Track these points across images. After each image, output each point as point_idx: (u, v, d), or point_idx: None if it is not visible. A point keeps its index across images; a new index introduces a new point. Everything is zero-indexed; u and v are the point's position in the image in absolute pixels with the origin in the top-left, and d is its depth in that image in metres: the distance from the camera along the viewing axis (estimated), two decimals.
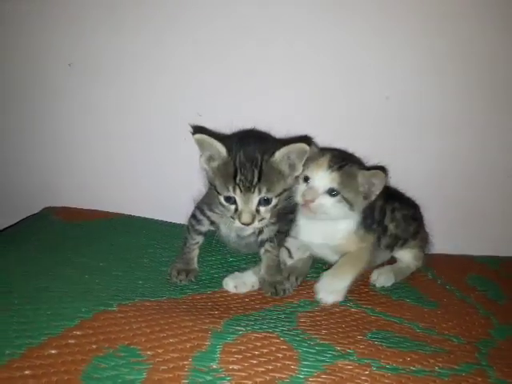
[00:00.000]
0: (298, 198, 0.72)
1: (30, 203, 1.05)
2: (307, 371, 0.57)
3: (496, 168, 0.98)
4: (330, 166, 0.71)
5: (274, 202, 0.69)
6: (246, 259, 0.87)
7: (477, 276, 0.86)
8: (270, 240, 0.79)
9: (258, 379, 0.56)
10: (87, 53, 0.96)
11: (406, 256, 0.86)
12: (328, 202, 0.70)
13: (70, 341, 0.60)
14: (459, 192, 0.99)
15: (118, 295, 0.70)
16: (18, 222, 0.99)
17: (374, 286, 0.81)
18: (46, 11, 0.94)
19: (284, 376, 0.57)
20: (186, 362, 0.58)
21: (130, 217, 1.01)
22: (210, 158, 0.71)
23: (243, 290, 0.77)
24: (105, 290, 0.72)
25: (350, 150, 0.85)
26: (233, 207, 0.70)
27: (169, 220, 1.02)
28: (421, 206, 0.90)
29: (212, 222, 0.81)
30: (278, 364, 0.58)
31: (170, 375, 0.56)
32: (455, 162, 0.97)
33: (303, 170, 0.72)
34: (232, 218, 0.70)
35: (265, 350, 0.61)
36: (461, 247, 0.98)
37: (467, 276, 0.86)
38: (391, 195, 0.85)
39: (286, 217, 0.80)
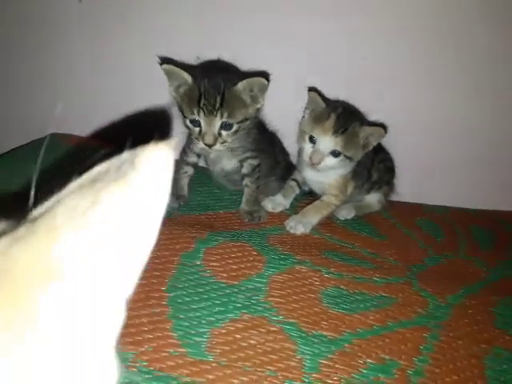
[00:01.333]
0: (305, 158, 0.84)
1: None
2: (271, 270, 0.72)
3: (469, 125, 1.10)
4: (334, 131, 0.80)
5: (234, 127, 0.80)
6: (229, 191, 0.99)
7: (425, 219, 1.01)
8: (249, 175, 0.92)
9: (233, 273, 0.70)
10: None
11: (373, 198, 0.99)
12: (332, 161, 0.82)
13: None
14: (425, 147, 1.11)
15: None
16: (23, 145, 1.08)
17: (338, 218, 0.95)
18: None
19: (253, 272, 0.71)
20: (175, 258, 0.72)
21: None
22: (178, 87, 0.80)
23: (278, 209, 0.94)
24: None
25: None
26: (197, 129, 0.80)
27: None
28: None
29: (198, 155, 0.93)
30: (249, 264, 0.73)
31: (161, 267, 0.70)
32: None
33: (310, 130, 0.82)
34: (197, 139, 0.80)
35: (239, 254, 0.75)
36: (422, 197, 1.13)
37: (417, 218, 1.01)
38: (379, 147, 0.98)
39: (264, 153, 0.92)
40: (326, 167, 0.83)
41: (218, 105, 0.77)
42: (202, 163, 1.00)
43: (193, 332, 0.59)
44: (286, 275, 0.72)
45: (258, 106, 0.81)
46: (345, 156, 0.83)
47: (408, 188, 1.10)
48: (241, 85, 0.78)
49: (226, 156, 0.91)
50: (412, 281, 0.76)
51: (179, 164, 0.94)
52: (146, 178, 0.22)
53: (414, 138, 1.11)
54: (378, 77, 1.04)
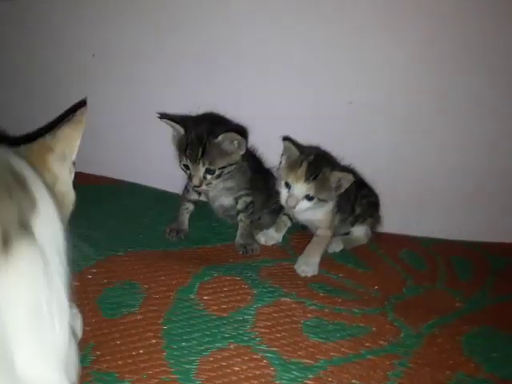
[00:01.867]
0: (282, 202, 0.93)
1: None
2: (259, 303, 0.80)
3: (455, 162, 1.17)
4: (306, 178, 0.89)
5: (217, 172, 0.92)
6: (227, 225, 1.08)
7: (409, 250, 1.07)
8: (243, 211, 1.01)
9: (223, 306, 0.79)
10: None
11: (359, 231, 1.07)
12: (306, 204, 0.91)
13: (88, 276, 0.83)
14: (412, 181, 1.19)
15: (123, 244, 0.93)
16: None
17: (326, 251, 1.03)
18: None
19: (242, 305, 0.79)
20: (171, 293, 0.81)
21: (133, 184, 1.22)
22: (174, 136, 0.95)
23: (271, 242, 1.03)
24: (113, 240, 0.94)
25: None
26: (188, 172, 0.93)
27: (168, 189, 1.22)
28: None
29: (199, 192, 1.03)
30: (239, 297, 0.81)
31: (159, 302, 0.79)
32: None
33: (285, 176, 0.92)
34: (189, 179, 0.93)
35: (231, 288, 0.83)
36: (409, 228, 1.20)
37: (402, 250, 1.08)
38: (361, 184, 1.07)
39: (258, 191, 1.02)
40: (300, 210, 0.92)
41: (199, 154, 0.90)
42: (204, 198, 1.09)
43: (183, 360, 0.67)
44: (273, 307, 0.80)
45: (241, 152, 0.93)
46: (318, 199, 0.91)
47: (396, 219, 1.17)
48: (221, 137, 0.90)
49: (224, 194, 1.01)
50: (388, 311, 0.83)
51: (181, 200, 1.05)
52: None
53: (403, 173, 1.19)
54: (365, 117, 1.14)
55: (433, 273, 0.99)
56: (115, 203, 1.10)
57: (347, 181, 0.92)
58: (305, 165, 0.91)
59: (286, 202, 0.91)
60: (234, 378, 0.65)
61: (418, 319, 0.81)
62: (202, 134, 0.90)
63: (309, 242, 1.00)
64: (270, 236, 1.05)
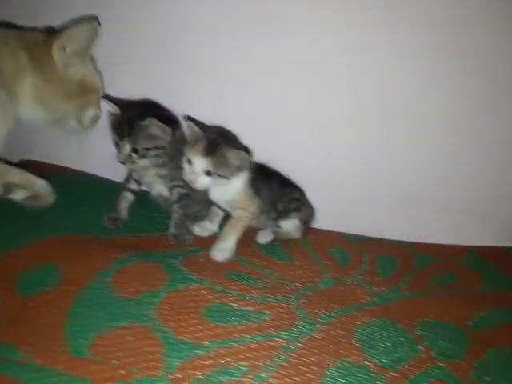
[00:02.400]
0: (185, 178, 0.97)
1: None
2: (170, 288, 0.85)
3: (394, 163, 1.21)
4: (204, 153, 0.94)
5: (141, 152, 0.98)
6: (167, 215, 1.12)
7: (339, 247, 1.12)
8: (177, 201, 1.06)
9: (133, 289, 0.84)
10: None
11: (287, 225, 1.11)
12: (206, 180, 0.95)
13: (13, 258, 0.88)
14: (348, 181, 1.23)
15: (57, 229, 0.98)
16: None
17: (258, 243, 1.07)
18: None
19: (153, 289, 0.84)
20: (89, 276, 0.86)
21: (77, 171, 1.26)
22: (111, 116, 1.02)
23: (206, 233, 1.08)
24: (48, 225, 1.00)
25: None
26: (117, 149, 1.00)
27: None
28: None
29: (138, 182, 1.09)
30: (151, 282, 0.86)
31: (75, 283, 0.84)
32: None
33: (187, 153, 0.96)
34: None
35: (147, 273, 0.88)
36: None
37: (332, 246, 1.12)
38: (284, 182, 1.12)
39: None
40: (201, 185, 0.96)
41: (126, 134, 0.97)
42: (145, 188, 1.14)
43: (80, 336, 0.73)
44: (182, 292, 0.85)
45: (167, 139, 0.99)
46: (218, 175, 0.95)
47: (333, 217, 1.22)
48: (146, 121, 0.96)
49: (158, 181, 1.07)
50: (293, 300, 0.87)
51: (121, 189, 1.10)
52: None
53: (339, 172, 1.23)
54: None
55: (354, 268, 1.04)
56: (58, 190, 1.14)
57: (243, 159, 0.96)
58: (204, 141, 0.95)
59: (187, 177, 0.96)
60: (121, 354, 0.70)
61: (319, 309, 0.86)
62: (132, 116, 0.97)
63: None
64: (205, 227, 1.10)
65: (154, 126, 0.97)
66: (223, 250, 0.98)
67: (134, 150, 0.98)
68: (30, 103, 0.92)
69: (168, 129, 0.98)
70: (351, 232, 1.21)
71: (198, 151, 0.95)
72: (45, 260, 0.89)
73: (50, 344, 0.71)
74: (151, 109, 1.02)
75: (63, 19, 1.03)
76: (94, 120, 1.04)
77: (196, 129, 0.98)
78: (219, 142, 0.96)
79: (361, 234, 1.21)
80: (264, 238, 1.09)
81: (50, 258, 0.90)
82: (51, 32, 0.96)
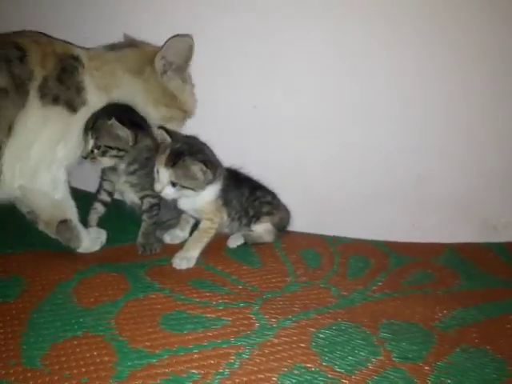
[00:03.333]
0: (154, 187, 0.97)
1: None
2: (130, 297, 0.86)
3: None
4: (166, 164, 0.93)
5: (102, 148, 0.98)
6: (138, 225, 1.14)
7: (311, 249, 1.11)
8: (147, 211, 1.07)
9: (92, 299, 0.85)
10: None
11: (258, 228, 1.11)
12: (171, 191, 0.95)
13: None
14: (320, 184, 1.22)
15: (24, 243, 1.01)
16: None
17: (228, 247, 1.07)
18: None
19: (112, 299, 0.85)
20: (51, 287, 0.87)
21: None
22: None
23: (176, 241, 1.09)
24: (15, 239, 1.02)
25: None
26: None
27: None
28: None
29: (109, 193, 1.10)
30: (112, 292, 0.87)
31: (36, 294, 0.85)
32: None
33: (156, 162, 0.97)
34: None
35: (109, 283, 0.89)
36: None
37: (303, 249, 1.11)
38: (255, 186, 1.11)
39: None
40: (166, 195, 0.96)
41: (90, 128, 0.98)
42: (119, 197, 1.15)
43: (35, 346, 0.73)
44: (141, 301, 0.85)
45: (129, 143, 1.00)
46: (182, 186, 0.94)
47: (306, 219, 1.21)
48: (111, 122, 0.97)
49: (129, 190, 1.08)
50: (254, 306, 0.87)
51: (93, 201, 1.11)
52: None
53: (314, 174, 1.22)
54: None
55: (323, 271, 1.03)
56: None
57: (204, 173, 0.94)
58: (168, 151, 0.95)
59: (155, 186, 0.96)
60: (74, 364, 0.71)
61: (280, 314, 0.85)
62: (101, 114, 0.99)
63: (212, 240, 1.06)
64: (175, 235, 1.11)
65: (119, 128, 0.97)
66: (186, 260, 0.98)
67: (97, 147, 0.99)
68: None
69: (129, 132, 0.98)
70: (326, 233, 1.20)
71: (162, 161, 0.95)
72: (11, 272, 0.90)
73: (4, 355, 0.71)
74: (125, 112, 1.02)
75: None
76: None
77: (166, 137, 0.98)
78: (184, 153, 0.95)
79: (336, 235, 1.20)
80: (235, 242, 1.08)
81: (15, 270, 0.91)
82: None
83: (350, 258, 1.09)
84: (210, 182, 0.97)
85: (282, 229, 1.15)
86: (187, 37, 1.00)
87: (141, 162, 1.04)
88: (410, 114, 1.13)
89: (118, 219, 1.15)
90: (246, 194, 1.07)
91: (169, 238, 1.10)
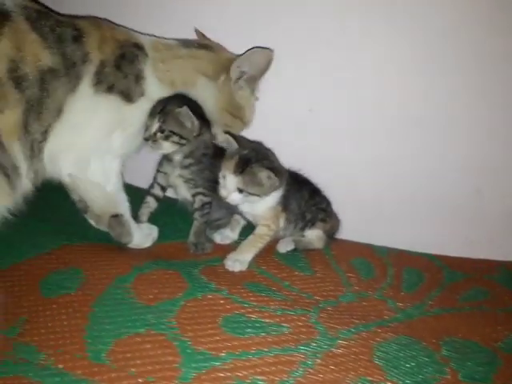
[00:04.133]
0: (220, 192, 0.97)
1: None
2: (188, 296, 0.85)
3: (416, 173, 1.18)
4: (234, 170, 0.93)
5: (166, 132, 0.98)
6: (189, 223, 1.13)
7: (362, 258, 1.09)
8: (198, 209, 1.06)
9: (152, 296, 0.84)
10: None
11: (311, 234, 1.09)
12: (237, 197, 0.95)
13: (39, 261, 0.91)
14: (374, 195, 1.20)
15: (78, 235, 1.01)
16: None
17: (278, 253, 1.06)
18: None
19: (171, 297, 0.85)
20: (109, 280, 0.87)
21: None
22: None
23: (226, 241, 1.08)
24: (70, 231, 1.02)
25: None
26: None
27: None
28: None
29: (162, 187, 1.09)
30: (170, 289, 0.86)
31: (95, 287, 0.85)
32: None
33: (222, 168, 0.97)
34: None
35: (166, 281, 0.89)
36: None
37: (354, 258, 1.09)
38: (314, 191, 1.10)
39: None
40: (233, 201, 0.96)
41: (158, 111, 0.98)
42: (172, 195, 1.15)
43: (99, 341, 0.73)
44: (200, 301, 0.85)
45: (193, 133, 1.00)
46: (248, 193, 0.94)
47: (356, 228, 1.19)
48: (180, 109, 0.97)
49: (181, 185, 1.07)
50: (312, 314, 0.85)
51: (145, 195, 1.11)
52: None
53: (365, 182, 1.20)
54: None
55: (377, 282, 1.00)
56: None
57: (272, 180, 0.94)
58: (236, 158, 0.95)
59: (221, 191, 0.95)
60: (139, 362, 0.70)
61: (339, 324, 0.83)
62: (172, 100, 0.98)
63: None
64: (225, 235, 1.10)
65: (186, 116, 0.97)
66: (239, 262, 0.97)
67: (161, 130, 0.98)
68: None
69: (197, 122, 0.98)
70: (376, 243, 1.18)
71: (231, 168, 0.94)
72: (68, 264, 0.91)
73: (70, 348, 0.72)
74: (194, 104, 1.01)
75: None
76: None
77: (233, 143, 0.98)
78: (251, 160, 0.95)
79: (386, 245, 1.18)
80: (285, 247, 1.07)
81: (73, 262, 0.92)
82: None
83: (403, 270, 1.07)
84: (275, 189, 0.96)
85: (331, 236, 1.13)
86: (268, 50, 0.99)
87: (196, 158, 1.04)
88: (473, 126, 1.10)
89: (168, 216, 1.15)
90: (305, 197, 1.06)
91: (219, 237, 1.09)
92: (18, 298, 0.81)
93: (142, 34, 1.01)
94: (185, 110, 0.96)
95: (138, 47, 0.96)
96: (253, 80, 1.03)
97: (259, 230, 1.01)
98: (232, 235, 1.10)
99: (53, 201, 1.10)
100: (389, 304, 0.93)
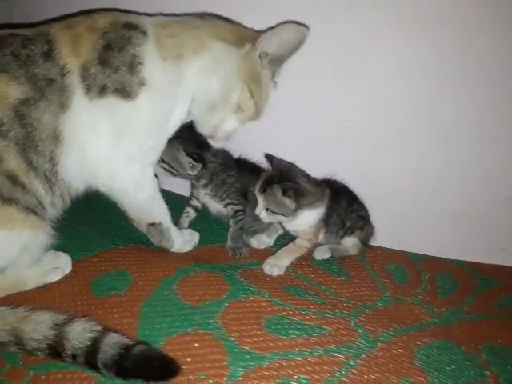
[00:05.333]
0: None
1: None
2: (231, 298, 0.88)
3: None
4: (259, 190, 0.98)
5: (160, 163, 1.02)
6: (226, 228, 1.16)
7: (396, 265, 1.10)
8: (232, 217, 1.10)
9: (197, 297, 0.88)
10: None
11: (348, 242, 1.11)
12: (266, 215, 0.99)
13: (88, 263, 0.96)
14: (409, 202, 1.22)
15: (123, 238, 1.05)
16: None
17: (314, 258, 1.08)
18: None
19: (215, 298, 0.88)
20: (156, 282, 0.91)
21: None
22: None
23: (262, 246, 1.12)
24: (116, 235, 1.07)
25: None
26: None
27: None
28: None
29: (198, 199, 1.14)
30: (214, 291, 0.90)
31: (143, 288, 0.89)
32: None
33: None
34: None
35: (210, 283, 0.92)
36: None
37: (389, 264, 1.11)
38: (353, 198, 1.13)
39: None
40: (264, 219, 1.00)
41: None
42: None
43: (151, 339, 0.77)
44: (243, 303, 0.88)
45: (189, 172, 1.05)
46: (272, 212, 0.98)
47: (390, 234, 1.21)
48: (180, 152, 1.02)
49: (210, 201, 1.12)
50: (352, 318, 0.87)
51: (185, 205, 1.16)
52: None
53: (400, 189, 1.22)
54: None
55: (413, 288, 1.02)
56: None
57: (289, 201, 0.96)
58: (262, 178, 0.99)
59: (256, 210, 1.00)
60: (189, 360, 0.74)
61: (379, 327, 0.85)
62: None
63: None
64: (262, 240, 1.13)
65: (184, 159, 1.03)
66: (276, 267, 1.00)
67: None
68: (207, 71, 0.90)
69: (197, 164, 1.03)
70: (406, 249, 1.20)
71: (258, 187, 0.99)
72: (116, 267, 0.95)
73: None
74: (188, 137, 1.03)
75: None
76: (231, 133, 1.00)
77: (268, 165, 1.04)
78: (274, 181, 0.97)
79: (418, 251, 1.19)
80: (322, 255, 1.09)
81: (120, 265, 0.96)
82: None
83: (436, 276, 1.08)
84: (299, 209, 0.98)
85: (365, 243, 1.15)
86: (303, 27, 0.88)
87: (207, 178, 1.08)
88: (507, 133, 1.11)
89: (205, 220, 1.19)
90: (344, 205, 1.08)
91: (255, 242, 1.13)
92: (72, 298, 0.86)
93: (141, 14, 0.92)
94: (181, 152, 1.00)
95: (131, 27, 0.84)
96: (278, 61, 0.93)
97: (300, 242, 1.04)
98: (268, 241, 1.13)
99: (97, 205, 1.16)
100: (425, 309, 0.95)
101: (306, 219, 1.02)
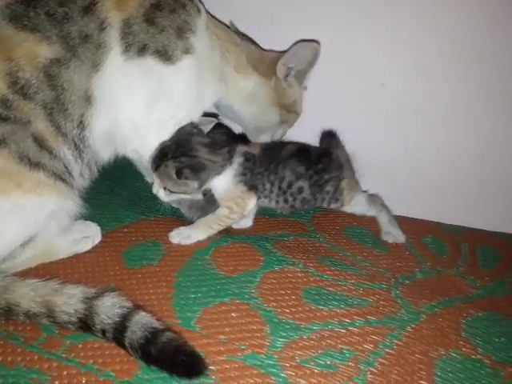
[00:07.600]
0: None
1: None
2: (266, 268, 0.86)
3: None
4: (152, 166, 0.88)
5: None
6: None
7: (433, 236, 1.06)
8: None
9: (232, 267, 0.85)
10: None
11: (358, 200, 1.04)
12: (162, 193, 0.91)
13: (119, 234, 0.93)
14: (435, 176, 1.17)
15: (153, 210, 1.02)
16: None
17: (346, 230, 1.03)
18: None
19: (250, 269, 0.85)
20: (189, 253, 0.88)
21: None
22: None
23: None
24: (146, 206, 1.04)
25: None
26: None
27: None
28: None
29: None
30: (248, 262, 0.87)
31: (176, 259, 0.87)
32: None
33: None
34: None
35: (243, 253, 0.89)
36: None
37: (425, 236, 1.06)
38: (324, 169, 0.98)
39: None
40: (162, 198, 0.92)
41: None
42: None
43: (187, 309, 0.75)
44: (278, 273, 0.85)
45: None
46: (169, 190, 0.89)
47: (428, 206, 1.17)
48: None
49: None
50: (392, 289, 0.84)
51: None
52: None
53: (438, 160, 1.17)
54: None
55: (453, 260, 0.98)
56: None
57: (189, 182, 0.88)
58: (155, 151, 0.87)
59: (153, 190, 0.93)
60: (227, 329, 0.72)
61: (421, 298, 0.82)
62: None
63: (331, 220, 1.06)
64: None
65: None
66: (189, 239, 0.90)
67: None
68: (246, 100, 1.00)
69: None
70: (444, 221, 1.15)
71: (151, 163, 0.90)
72: (147, 237, 0.93)
73: (159, 315, 0.73)
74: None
75: None
76: (284, 134, 1.11)
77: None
78: (167, 155, 0.86)
79: (455, 223, 1.14)
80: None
81: (151, 235, 0.94)
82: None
83: (476, 248, 1.03)
84: (204, 184, 0.90)
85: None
86: (314, 43, 0.97)
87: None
88: None
89: None
90: (300, 170, 0.96)
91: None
92: (104, 268, 0.84)
93: None
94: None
95: None
96: (302, 74, 1.00)
97: (220, 211, 0.93)
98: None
99: (122, 178, 1.14)
100: (468, 281, 0.91)
101: (218, 183, 0.92)
